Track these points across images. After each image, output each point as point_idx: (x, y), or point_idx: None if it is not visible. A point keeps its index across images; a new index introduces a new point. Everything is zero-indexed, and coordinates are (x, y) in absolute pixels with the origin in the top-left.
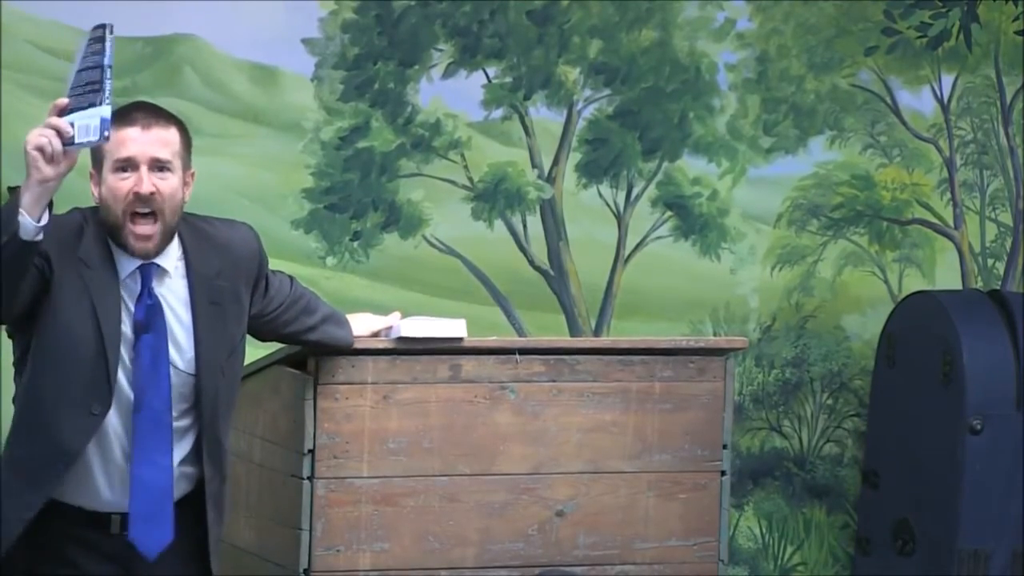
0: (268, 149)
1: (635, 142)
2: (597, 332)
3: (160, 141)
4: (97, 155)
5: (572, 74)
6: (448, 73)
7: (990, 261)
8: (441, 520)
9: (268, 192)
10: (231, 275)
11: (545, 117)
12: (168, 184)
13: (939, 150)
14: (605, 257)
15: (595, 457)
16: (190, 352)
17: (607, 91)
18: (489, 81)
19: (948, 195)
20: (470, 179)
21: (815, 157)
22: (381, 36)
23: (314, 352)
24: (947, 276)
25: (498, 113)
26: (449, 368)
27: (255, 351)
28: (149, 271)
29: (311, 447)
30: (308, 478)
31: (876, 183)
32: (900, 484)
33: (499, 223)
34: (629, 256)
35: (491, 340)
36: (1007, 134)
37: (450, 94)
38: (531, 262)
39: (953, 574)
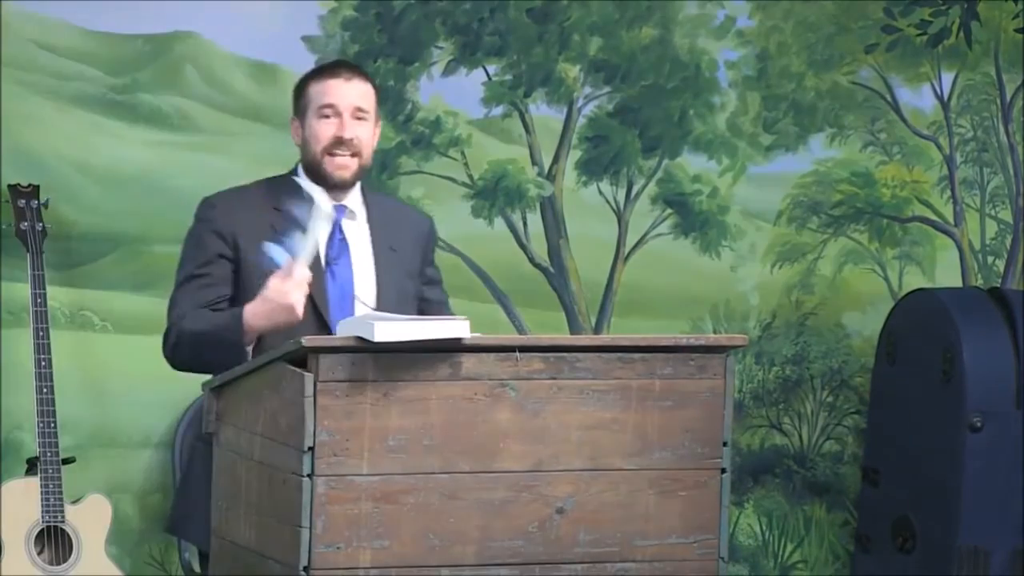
0: (269, 147)
1: (635, 139)
2: (597, 329)
3: (360, 92)
4: (300, 104)
5: (572, 72)
6: (448, 71)
7: (990, 259)
8: (441, 517)
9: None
10: (406, 233)
11: (545, 114)
12: (365, 129)
13: (939, 147)
14: (605, 254)
15: (595, 454)
16: (372, 288)
17: (607, 88)
18: (489, 79)
19: (948, 192)
20: (470, 176)
21: (815, 154)
22: (381, 34)
23: (313, 350)
24: (947, 273)
25: (498, 110)
26: (449, 366)
27: None
28: (339, 211)
29: (311, 444)
30: (308, 475)
31: (876, 180)
32: (900, 481)
33: (499, 220)
34: (629, 253)
35: (491, 337)
36: (1007, 131)
37: (450, 91)
38: (531, 259)
39: (953, 572)
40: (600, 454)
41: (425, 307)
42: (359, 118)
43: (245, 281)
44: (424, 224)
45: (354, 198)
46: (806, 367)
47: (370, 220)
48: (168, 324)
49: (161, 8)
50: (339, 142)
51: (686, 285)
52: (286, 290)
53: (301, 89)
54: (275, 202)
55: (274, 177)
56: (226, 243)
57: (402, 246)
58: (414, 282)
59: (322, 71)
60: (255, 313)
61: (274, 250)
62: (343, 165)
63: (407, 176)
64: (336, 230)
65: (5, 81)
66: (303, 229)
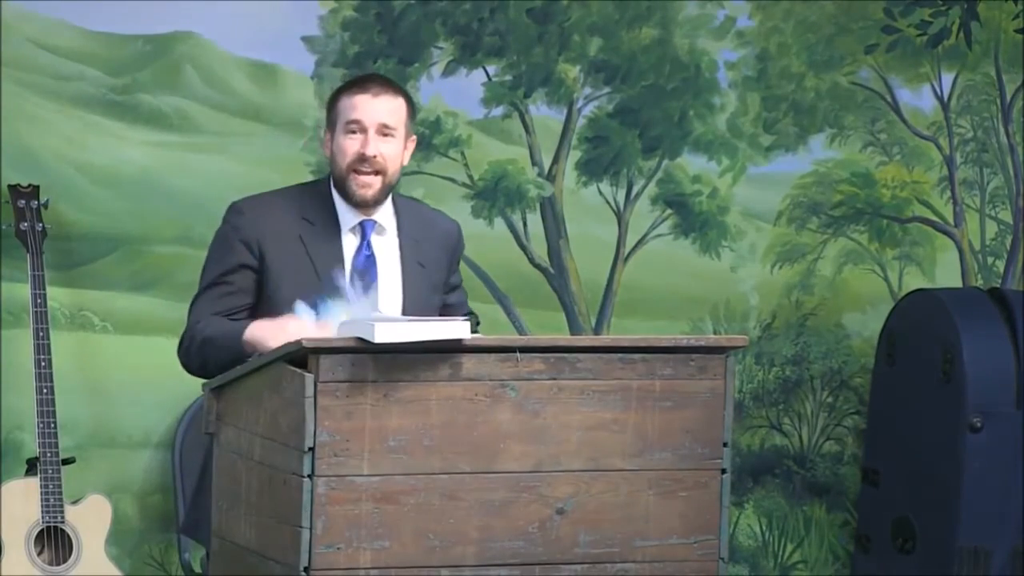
0: (269, 147)
1: (635, 140)
2: (597, 330)
3: (387, 108)
4: (331, 117)
5: (572, 72)
6: (448, 71)
7: (990, 259)
8: (441, 518)
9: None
10: (435, 246)
11: (545, 115)
12: (390, 147)
13: (939, 148)
14: (605, 255)
15: (595, 455)
16: (398, 304)
17: (607, 89)
18: (489, 79)
19: (948, 193)
20: (470, 177)
21: (815, 155)
22: (381, 34)
23: (314, 350)
24: (947, 274)
25: (498, 111)
26: (449, 366)
27: None
28: (368, 226)
29: (311, 445)
30: (308, 476)
31: (876, 181)
32: (900, 482)
33: (499, 221)
34: (629, 254)
35: (491, 338)
36: (1007, 132)
37: (450, 92)
38: (531, 260)
39: (953, 572)
40: (600, 455)
41: (445, 312)
42: (385, 135)
43: (268, 290)
44: (452, 233)
45: (384, 212)
46: (806, 367)
47: (400, 234)
48: (185, 328)
49: (161, 8)
50: (362, 159)
51: (686, 285)
52: (303, 332)
53: (332, 102)
54: (303, 212)
55: (305, 184)
56: (251, 252)
57: (430, 260)
58: (439, 294)
59: (352, 85)
60: (262, 327)
61: (305, 311)
62: (366, 183)
63: (407, 177)
64: (364, 245)
65: (5, 81)
66: (344, 298)
